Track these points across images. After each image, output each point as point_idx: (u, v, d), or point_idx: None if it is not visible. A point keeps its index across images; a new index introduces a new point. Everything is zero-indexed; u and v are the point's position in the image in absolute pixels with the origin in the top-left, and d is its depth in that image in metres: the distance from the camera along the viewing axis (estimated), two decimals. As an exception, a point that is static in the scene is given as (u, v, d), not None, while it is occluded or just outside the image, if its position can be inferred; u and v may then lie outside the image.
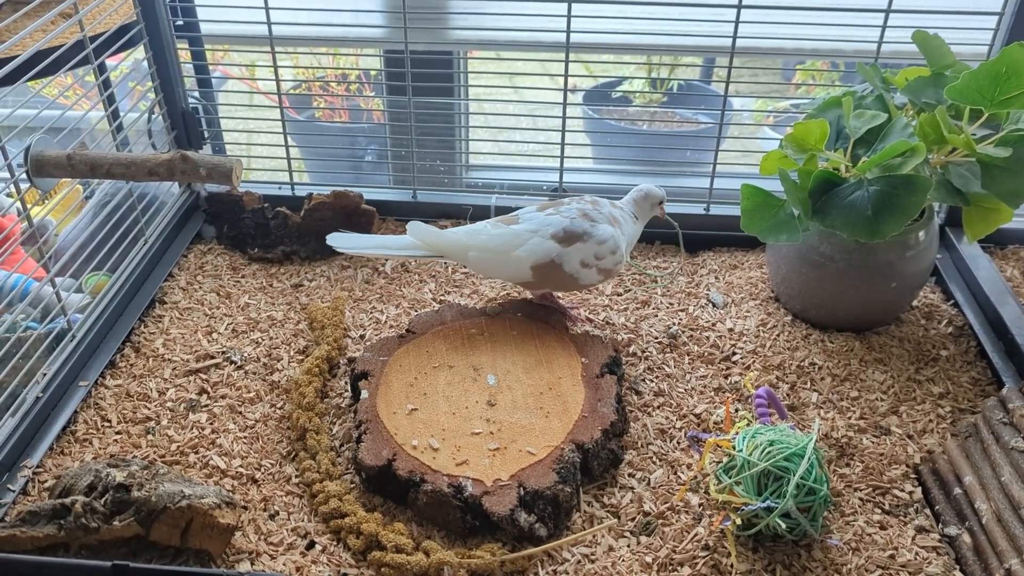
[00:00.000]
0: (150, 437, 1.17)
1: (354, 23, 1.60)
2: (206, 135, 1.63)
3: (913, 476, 1.12)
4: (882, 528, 1.06)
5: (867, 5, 1.39)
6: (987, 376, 1.28)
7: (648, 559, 1.01)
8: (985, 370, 1.29)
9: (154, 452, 1.15)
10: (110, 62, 1.48)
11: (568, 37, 1.42)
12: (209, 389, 1.25)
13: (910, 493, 1.10)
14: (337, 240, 1.29)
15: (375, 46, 1.71)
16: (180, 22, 1.54)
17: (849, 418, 1.20)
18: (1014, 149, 1.14)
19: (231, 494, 1.04)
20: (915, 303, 1.42)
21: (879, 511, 1.08)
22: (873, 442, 1.17)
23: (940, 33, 1.26)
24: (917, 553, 1.02)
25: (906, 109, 1.27)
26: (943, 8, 1.37)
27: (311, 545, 1.03)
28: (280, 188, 1.64)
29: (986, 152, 1.14)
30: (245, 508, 1.07)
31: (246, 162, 1.72)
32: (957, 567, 1.01)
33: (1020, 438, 1.02)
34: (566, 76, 1.48)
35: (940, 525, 1.06)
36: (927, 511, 1.08)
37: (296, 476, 1.12)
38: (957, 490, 1.06)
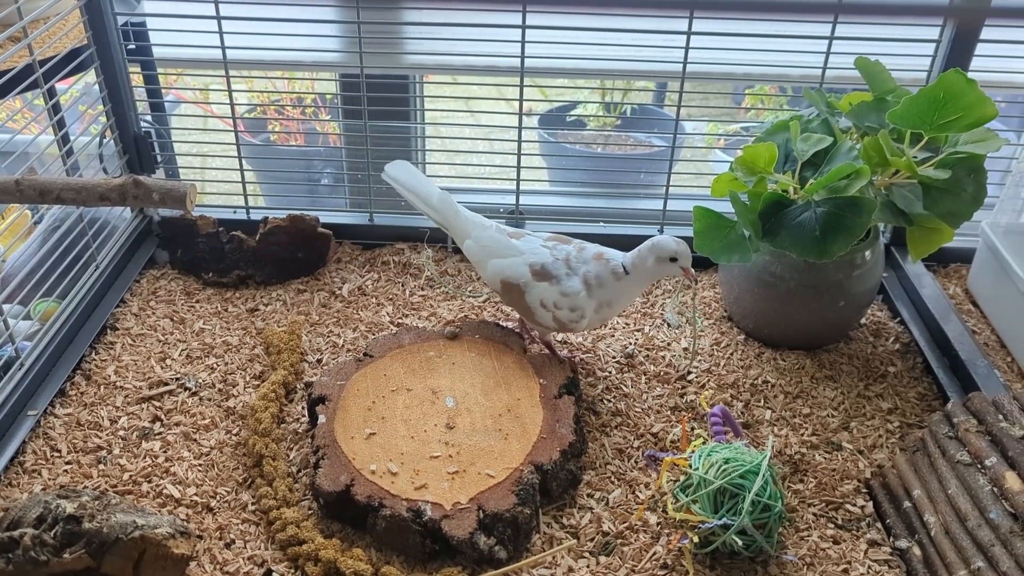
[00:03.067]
0: (101, 467, 1.15)
1: (309, 47, 1.60)
2: (159, 159, 1.61)
3: (864, 491, 1.15)
4: (835, 543, 1.08)
5: (811, 32, 1.43)
6: (933, 391, 1.31)
7: (607, 579, 1.02)
8: (931, 385, 1.33)
9: (106, 482, 1.12)
10: (60, 85, 1.46)
11: (523, 61, 1.44)
12: (163, 416, 1.23)
13: (862, 507, 1.12)
14: (393, 168, 1.36)
15: (330, 70, 1.71)
16: (132, 46, 1.53)
17: (802, 435, 1.22)
18: (953, 171, 1.19)
19: (185, 523, 1.03)
20: (863, 321, 1.46)
21: (832, 526, 1.10)
22: (825, 458, 1.19)
23: (881, 59, 1.30)
24: (870, 567, 1.04)
25: (850, 132, 1.31)
26: (883, 36, 1.42)
27: (268, 573, 1.02)
28: (235, 212, 1.63)
29: (927, 174, 1.18)
30: (200, 537, 1.06)
31: (200, 186, 1.70)
32: (908, 579, 1.03)
33: (965, 452, 1.05)
34: (521, 100, 1.49)
35: (891, 538, 1.08)
36: (878, 525, 1.10)
37: (253, 503, 1.11)
38: (907, 504, 1.08)
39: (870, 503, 1.13)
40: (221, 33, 1.44)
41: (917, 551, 1.04)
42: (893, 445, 1.21)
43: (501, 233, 1.30)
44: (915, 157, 1.21)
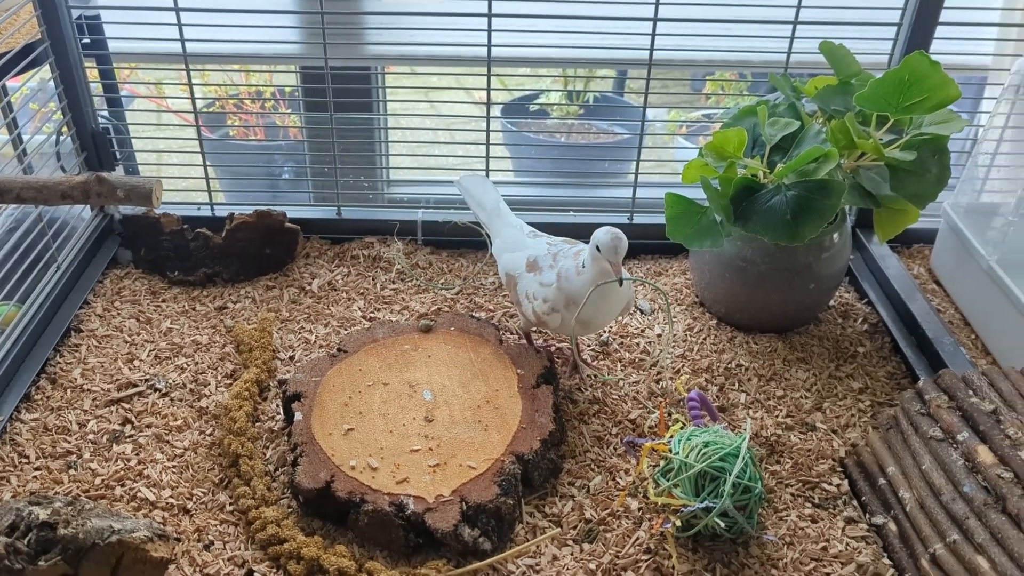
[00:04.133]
0: (72, 472, 1.12)
1: (270, 39, 1.57)
2: (118, 156, 1.58)
3: (839, 469, 1.17)
4: (813, 521, 1.09)
5: (774, 17, 1.44)
6: (902, 370, 1.34)
7: (592, 566, 1.02)
8: (900, 364, 1.35)
9: (77, 487, 1.10)
10: (13, 83, 1.42)
11: (489, 50, 1.43)
12: (133, 419, 1.21)
13: (837, 486, 1.14)
14: (467, 181, 1.42)
15: (293, 63, 1.69)
16: (87, 40, 1.49)
17: (776, 416, 1.24)
18: (918, 153, 1.20)
19: (163, 526, 1.01)
20: (832, 303, 1.48)
21: (810, 505, 1.11)
22: (800, 439, 1.20)
23: (843, 43, 1.31)
24: (848, 544, 1.06)
25: (816, 116, 1.32)
26: (846, 20, 1.43)
27: (250, 574, 1.01)
28: (199, 209, 1.60)
29: (893, 156, 1.20)
30: (178, 540, 1.04)
31: (161, 183, 1.66)
32: (885, 555, 1.05)
33: (937, 428, 1.07)
34: (488, 89, 1.48)
35: (867, 515, 1.10)
36: (854, 502, 1.12)
37: (230, 504, 1.09)
38: (881, 480, 1.10)
39: (845, 481, 1.15)
40: (180, 26, 1.40)
41: (893, 526, 1.06)
42: (866, 424, 1.23)
43: (520, 231, 1.32)
44: (881, 139, 1.22)
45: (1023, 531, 0.92)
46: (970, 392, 1.07)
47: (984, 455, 1.00)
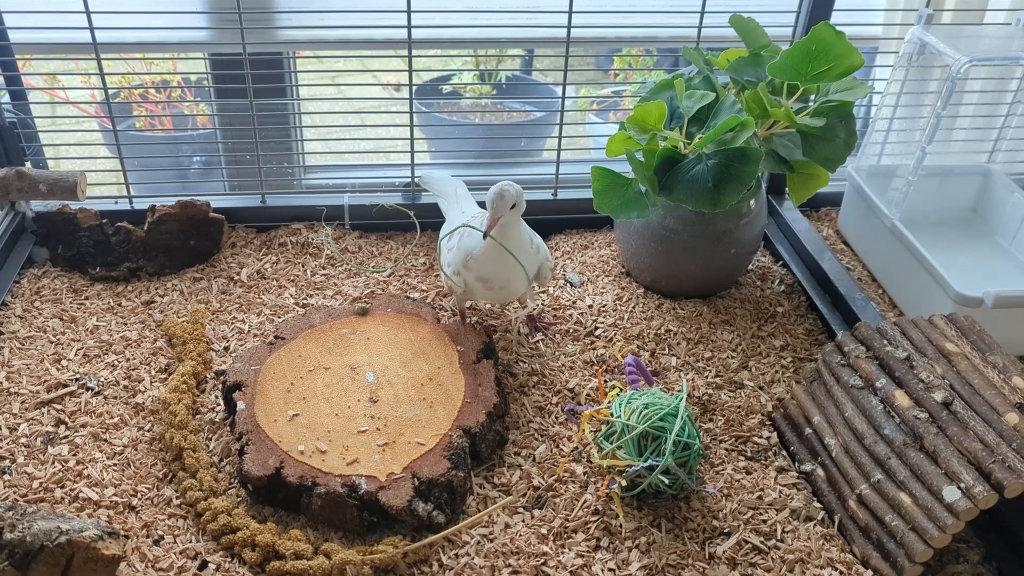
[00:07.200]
0: (7, 477, 1.09)
1: (177, 26, 1.53)
2: (27, 151, 1.51)
3: (768, 423, 1.23)
4: (747, 473, 1.15)
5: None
6: (818, 326, 1.41)
7: (544, 531, 1.05)
8: (816, 321, 1.43)
9: (14, 492, 1.07)
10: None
11: (410, 32, 1.43)
12: (67, 419, 1.17)
13: (767, 438, 1.20)
14: (425, 176, 1.50)
15: (205, 49, 1.65)
16: (-15, 31, 1.42)
17: (706, 377, 1.29)
18: (827, 119, 1.27)
19: (110, 524, 0.99)
20: (750, 267, 1.54)
21: (743, 458, 1.17)
22: (730, 396, 1.26)
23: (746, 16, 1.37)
24: (780, 491, 1.12)
25: (729, 87, 1.37)
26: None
27: (204, 565, 1.00)
28: (116, 202, 1.55)
29: (805, 123, 1.26)
30: (127, 537, 1.02)
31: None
32: (815, 499, 1.12)
33: (857, 377, 1.14)
34: (410, 71, 1.49)
35: (796, 463, 1.16)
36: (784, 452, 1.19)
37: (177, 498, 1.08)
38: (807, 430, 1.17)
39: (774, 434, 1.21)
40: (88, 13, 1.36)
41: (821, 472, 1.13)
42: (789, 378, 1.30)
43: (461, 213, 1.33)
44: (792, 107, 1.28)
45: (940, 466, 1.00)
46: (885, 342, 1.15)
47: (901, 399, 1.07)
